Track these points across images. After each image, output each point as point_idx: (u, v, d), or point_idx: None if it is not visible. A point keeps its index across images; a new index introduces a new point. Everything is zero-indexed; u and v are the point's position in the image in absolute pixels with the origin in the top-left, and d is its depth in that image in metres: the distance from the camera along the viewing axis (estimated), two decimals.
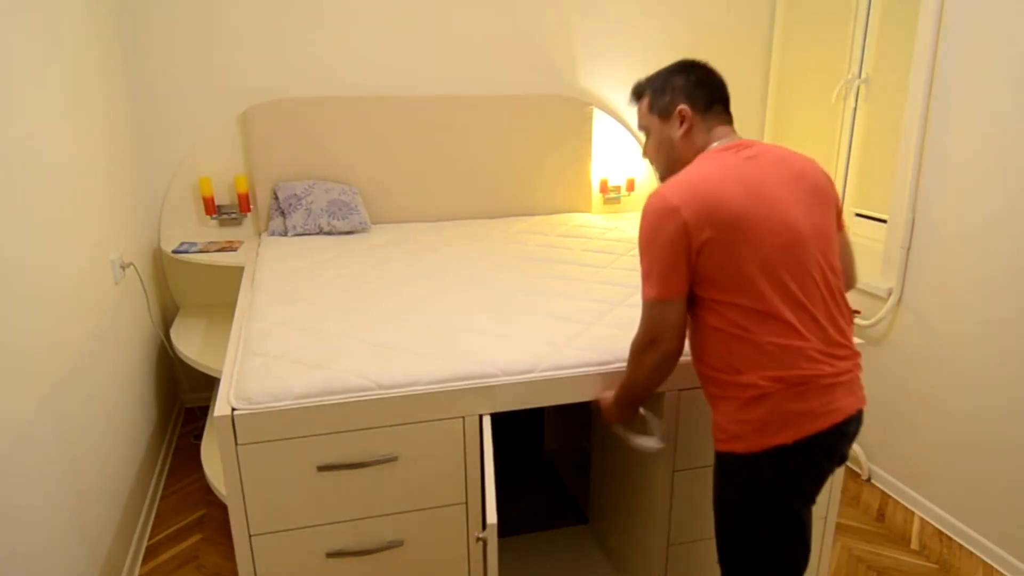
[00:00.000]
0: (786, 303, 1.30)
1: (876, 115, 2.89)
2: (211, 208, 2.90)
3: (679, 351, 1.38)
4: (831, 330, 1.34)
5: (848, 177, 3.07)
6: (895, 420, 2.53)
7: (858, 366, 1.39)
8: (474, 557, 1.67)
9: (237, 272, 3.00)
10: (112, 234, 2.34)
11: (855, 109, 2.99)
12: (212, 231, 2.98)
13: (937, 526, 2.39)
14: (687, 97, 1.44)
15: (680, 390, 1.67)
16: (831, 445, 1.33)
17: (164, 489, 2.62)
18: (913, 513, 2.46)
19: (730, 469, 1.38)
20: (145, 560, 2.23)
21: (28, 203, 1.64)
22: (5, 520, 1.37)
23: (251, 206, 2.96)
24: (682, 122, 1.44)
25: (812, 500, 1.38)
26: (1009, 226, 2.08)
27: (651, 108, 1.50)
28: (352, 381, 1.50)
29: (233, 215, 2.96)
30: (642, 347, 1.40)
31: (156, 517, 2.45)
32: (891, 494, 2.57)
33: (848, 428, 1.34)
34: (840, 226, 1.47)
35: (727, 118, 1.47)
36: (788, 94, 3.40)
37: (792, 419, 1.30)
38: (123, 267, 2.41)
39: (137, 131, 2.86)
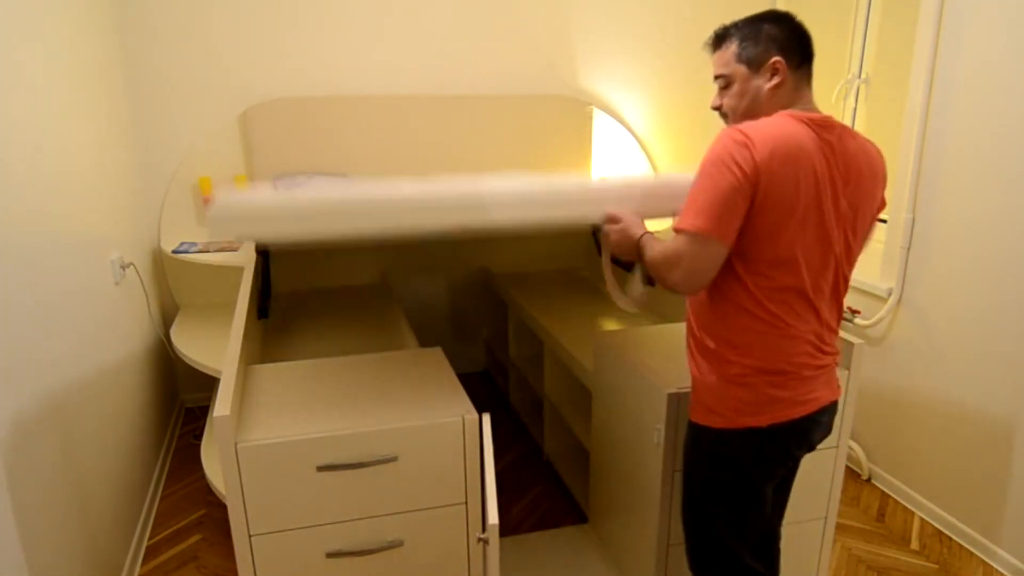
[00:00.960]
0: (804, 292, 1.32)
1: (876, 115, 2.89)
2: None
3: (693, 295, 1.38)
4: (825, 329, 1.38)
5: None
6: (895, 420, 2.53)
7: (836, 360, 1.43)
8: (474, 557, 1.67)
9: (237, 272, 3.00)
10: (112, 234, 2.34)
11: (855, 109, 2.99)
12: None
13: (937, 526, 2.39)
14: (781, 49, 1.33)
15: (680, 390, 1.67)
16: (803, 432, 1.38)
17: (164, 489, 2.62)
18: (913, 513, 2.46)
19: (701, 440, 1.44)
20: (145, 560, 2.23)
21: (28, 203, 1.64)
22: (5, 520, 1.37)
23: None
24: (773, 75, 1.33)
25: (776, 480, 1.44)
26: (1009, 226, 2.08)
27: (739, 57, 1.36)
28: None
29: None
30: (665, 271, 1.32)
31: (156, 517, 2.45)
32: (891, 494, 2.57)
33: (822, 417, 1.40)
34: (868, 235, 1.44)
35: (810, 81, 1.38)
36: None
37: (770, 404, 1.34)
38: (123, 267, 2.41)
39: (137, 131, 2.85)
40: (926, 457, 2.42)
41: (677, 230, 1.30)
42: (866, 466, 2.67)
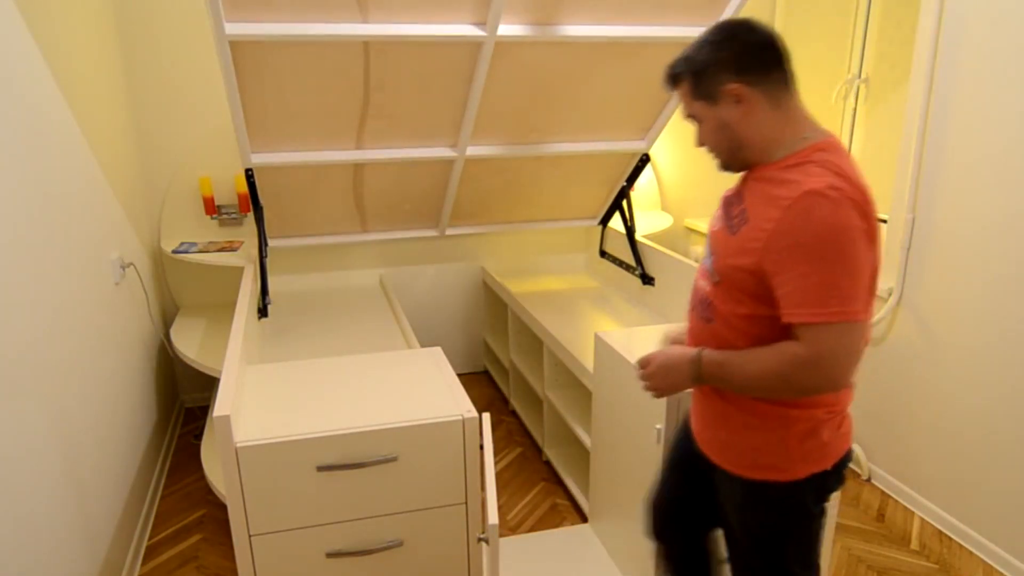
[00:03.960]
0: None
1: (876, 115, 2.89)
2: (211, 208, 2.90)
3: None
4: None
5: None
6: (895, 420, 2.53)
7: None
8: (474, 557, 1.68)
9: (237, 272, 3.00)
10: (112, 234, 2.34)
11: (855, 109, 2.99)
12: (212, 231, 2.98)
13: (937, 526, 2.39)
14: (734, 70, 1.17)
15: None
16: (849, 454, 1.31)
17: (164, 489, 2.62)
18: (913, 513, 2.46)
19: (762, 495, 1.29)
20: (145, 560, 2.23)
21: (28, 203, 1.64)
22: (5, 520, 1.37)
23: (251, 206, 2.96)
24: (738, 102, 1.18)
25: None
26: (1009, 226, 2.08)
27: (694, 94, 1.23)
28: None
29: (233, 215, 2.96)
30: (815, 374, 1.13)
31: (156, 517, 2.46)
32: (891, 494, 2.57)
33: None
34: None
35: (793, 86, 1.21)
36: None
37: (833, 444, 1.25)
38: (123, 267, 2.41)
39: (137, 131, 2.86)
40: (926, 457, 2.42)
41: (816, 323, 1.10)
42: (866, 466, 2.67)
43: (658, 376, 1.30)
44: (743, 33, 1.18)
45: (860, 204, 1.09)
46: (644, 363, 1.33)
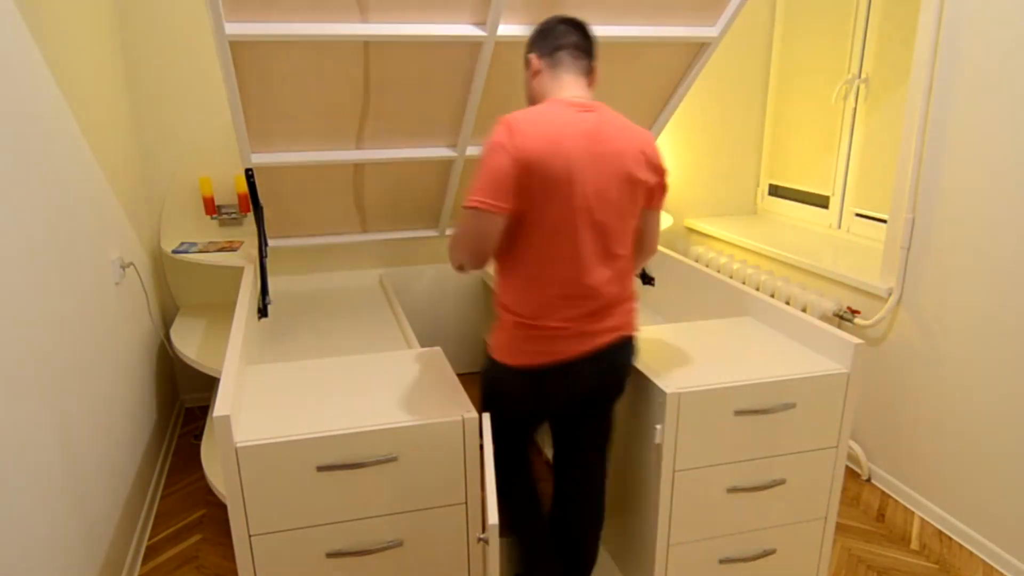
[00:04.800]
0: (563, 258, 1.56)
1: (876, 115, 2.89)
2: (211, 208, 2.90)
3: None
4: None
5: (848, 177, 3.07)
6: (895, 420, 2.53)
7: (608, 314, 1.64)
8: (474, 557, 1.68)
9: (237, 272, 3.00)
10: (112, 234, 2.34)
11: (855, 109, 2.99)
12: (212, 231, 2.98)
13: (937, 526, 2.39)
14: (533, 46, 1.64)
15: (681, 390, 1.68)
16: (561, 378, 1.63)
17: (164, 489, 2.62)
18: (913, 513, 2.46)
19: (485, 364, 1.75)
20: (145, 560, 2.23)
21: (28, 203, 1.64)
22: (5, 520, 1.37)
23: (251, 206, 2.96)
24: (528, 68, 1.65)
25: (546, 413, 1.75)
26: (1009, 226, 2.08)
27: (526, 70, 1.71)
28: None
29: (233, 215, 2.96)
30: (452, 248, 1.62)
31: (156, 517, 2.46)
32: (891, 494, 2.57)
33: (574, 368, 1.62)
34: (652, 205, 1.68)
35: (577, 69, 1.62)
36: (788, 94, 3.40)
37: (524, 348, 1.62)
38: (123, 267, 2.41)
39: (137, 131, 2.86)
40: (926, 457, 2.42)
41: (463, 208, 1.53)
42: (866, 466, 2.67)
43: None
44: (550, 21, 1.64)
45: (511, 128, 1.48)
46: None
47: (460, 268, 1.59)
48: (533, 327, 1.60)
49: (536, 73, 1.63)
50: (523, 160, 1.47)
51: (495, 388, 1.73)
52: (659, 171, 1.63)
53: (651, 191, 1.64)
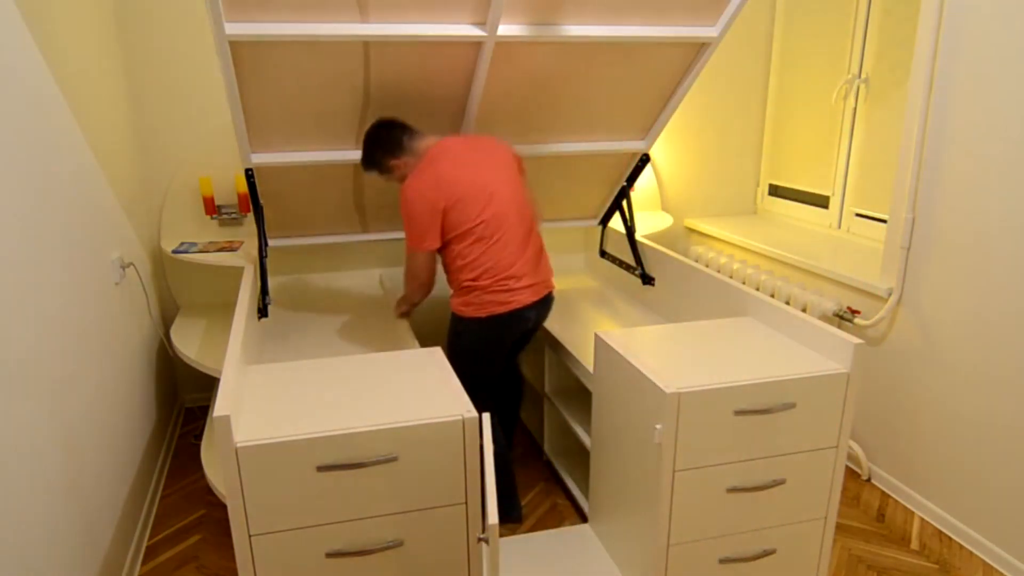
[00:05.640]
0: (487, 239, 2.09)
1: (876, 115, 2.89)
2: (211, 208, 2.90)
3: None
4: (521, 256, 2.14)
5: (848, 177, 3.07)
6: (895, 420, 2.53)
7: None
8: (474, 557, 1.68)
9: (237, 272, 3.00)
10: (112, 234, 2.34)
11: (855, 109, 2.99)
12: (212, 231, 2.98)
13: (937, 526, 2.39)
14: (389, 151, 2.13)
15: (681, 390, 1.68)
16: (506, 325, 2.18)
17: (164, 489, 2.62)
18: (913, 513, 2.46)
19: (453, 322, 2.25)
20: (145, 560, 2.23)
21: (29, 203, 1.64)
22: (5, 520, 1.37)
23: (251, 206, 2.96)
24: (395, 171, 2.16)
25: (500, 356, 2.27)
26: (1009, 226, 2.08)
27: (382, 174, 2.20)
28: None
29: (233, 215, 2.96)
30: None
31: (156, 517, 2.46)
32: (891, 494, 2.57)
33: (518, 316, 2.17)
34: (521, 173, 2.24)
35: (416, 132, 2.15)
36: (788, 94, 3.40)
37: (480, 303, 2.12)
38: (123, 267, 2.41)
39: (137, 131, 2.86)
40: (926, 457, 2.42)
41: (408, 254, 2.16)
42: (866, 466, 2.67)
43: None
44: (376, 132, 2.14)
45: (421, 188, 2.05)
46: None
47: None
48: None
49: (404, 165, 2.14)
50: None
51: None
52: None
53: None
